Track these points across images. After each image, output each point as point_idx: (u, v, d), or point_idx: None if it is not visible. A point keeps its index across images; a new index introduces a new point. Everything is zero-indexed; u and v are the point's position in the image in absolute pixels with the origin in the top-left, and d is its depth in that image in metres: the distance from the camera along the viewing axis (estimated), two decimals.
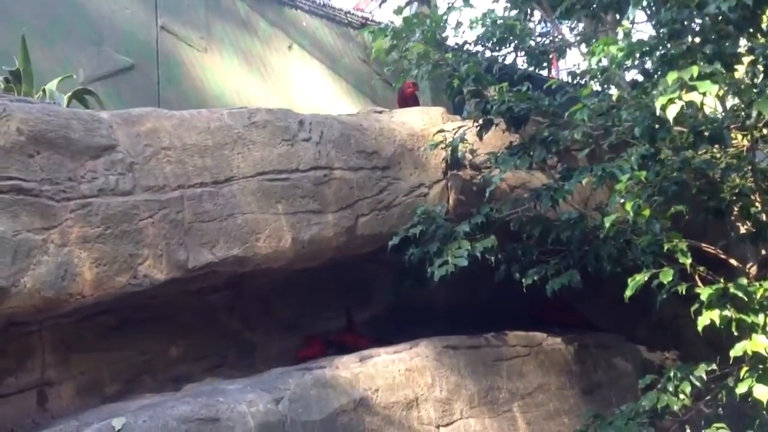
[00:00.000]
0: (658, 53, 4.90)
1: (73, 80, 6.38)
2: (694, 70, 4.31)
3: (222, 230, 5.24)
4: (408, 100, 7.24)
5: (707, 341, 6.84)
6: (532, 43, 7.13)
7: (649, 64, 5.53)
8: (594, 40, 6.14)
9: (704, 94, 4.21)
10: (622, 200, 5.09)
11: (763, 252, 6.53)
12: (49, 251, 4.55)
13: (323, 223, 5.73)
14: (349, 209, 5.89)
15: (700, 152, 5.75)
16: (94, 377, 5.11)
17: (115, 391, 5.14)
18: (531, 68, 7.62)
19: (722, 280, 5.00)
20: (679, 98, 4.26)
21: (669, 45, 5.16)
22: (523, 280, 5.97)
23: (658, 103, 4.33)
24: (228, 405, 4.60)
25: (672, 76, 4.33)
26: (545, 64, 7.73)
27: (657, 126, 5.10)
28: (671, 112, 4.31)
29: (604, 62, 5.27)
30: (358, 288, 6.57)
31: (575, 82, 7.59)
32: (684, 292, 5.03)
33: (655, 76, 5.53)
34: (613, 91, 6.56)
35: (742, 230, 6.54)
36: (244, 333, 5.92)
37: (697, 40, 5.31)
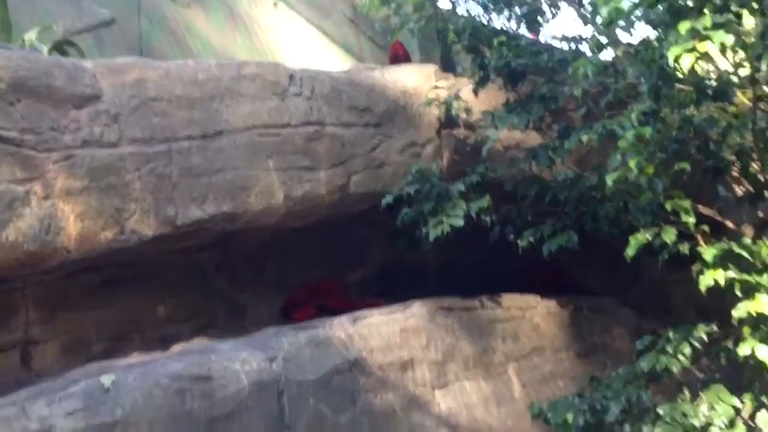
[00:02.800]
0: (666, 3, 4.74)
1: (52, 32, 6.14)
2: (707, 20, 4.16)
3: (211, 185, 5.08)
4: (400, 58, 7.06)
5: (696, 307, 6.82)
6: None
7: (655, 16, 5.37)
8: None
9: (722, 44, 4.06)
10: (623, 158, 4.95)
11: (761, 214, 6.45)
12: (32, 203, 4.37)
13: (315, 180, 5.57)
14: (341, 166, 5.74)
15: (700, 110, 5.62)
16: (80, 336, 4.97)
17: (102, 350, 5.01)
18: (519, 28, 7.43)
19: (725, 240, 4.89)
20: (693, 49, 4.10)
21: None
22: (519, 242, 5.83)
23: (671, 54, 4.17)
24: (221, 363, 4.47)
25: (684, 26, 4.17)
26: (536, 25, 7.54)
27: (661, 83, 4.96)
28: (685, 64, 4.15)
29: (605, 13, 5.09)
30: (349, 249, 6.43)
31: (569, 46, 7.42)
32: (687, 252, 4.92)
33: (659, 31, 5.37)
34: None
35: (739, 192, 6.45)
36: (233, 293, 5.79)
37: None
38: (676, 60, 4.18)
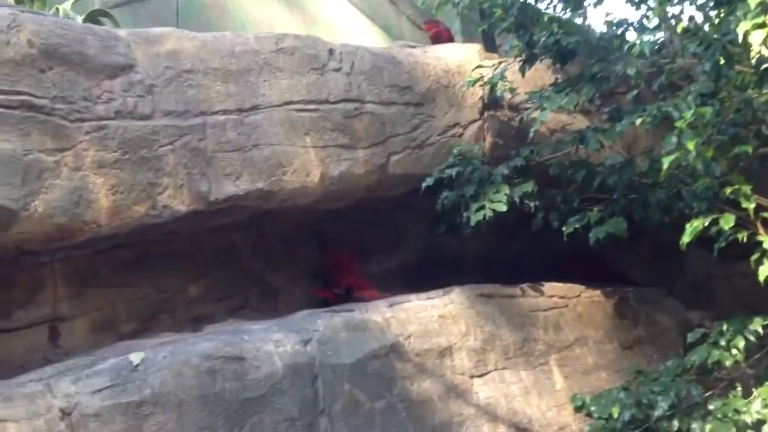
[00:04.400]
0: None
1: (87, 3, 6.02)
2: None
3: (246, 161, 4.93)
4: (443, 38, 6.82)
5: (744, 303, 6.56)
6: None
7: None
8: None
9: None
10: (680, 140, 4.70)
11: None
12: (62, 174, 4.26)
13: (353, 159, 5.39)
14: (380, 146, 5.54)
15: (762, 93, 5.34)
16: (110, 314, 4.84)
17: (132, 329, 4.88)
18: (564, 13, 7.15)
19: None
20: (764, 24, 3.85)
21: None
22: (564, 229, 5.60)
23: (740, 29, 3.93)
24: (254, 344, 4.31)
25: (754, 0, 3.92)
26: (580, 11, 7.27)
27: (723, 62, 4.70)
28: (756, 39, 3.91)
29: None
30: (386, 234, 6.24)
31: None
32: (745, 240, 4.67)
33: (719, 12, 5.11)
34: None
35: None
36: (266, 275, 5.62)
37: None
38: (745, 36, 3.93)
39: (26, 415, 3.76)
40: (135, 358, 4.01)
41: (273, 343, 4.39)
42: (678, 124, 4.66)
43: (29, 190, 4.11)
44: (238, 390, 4.22)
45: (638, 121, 5.12)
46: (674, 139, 4.75)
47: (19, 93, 4.13)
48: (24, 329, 4.57)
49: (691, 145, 4.52)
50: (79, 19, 5.39)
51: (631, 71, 5.26)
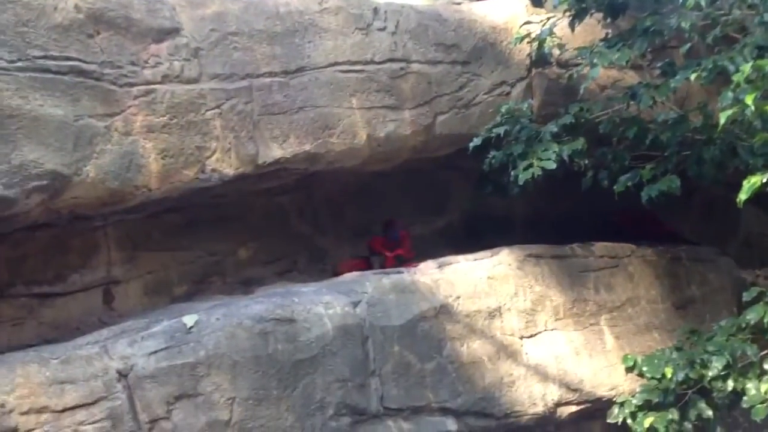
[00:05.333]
0: None
1: None
2: None
3: (293, 124, 4.91)
4: None
5: None
6: None
7: None
8: None
9: None
10: (737, 95, 4.55)
11: None
12: (113, 139, 4.30)
13: (400, 120, 5.34)
14: (426, 106, 5.48)
15: None
16: (162, 277, 4.92)
17: (184, 291, 4.96)
18: None
19: None
20: None
21: None
22: (614, 187, 5.48)
23: None
24: (304, 306, 4.34)
25: None
26: None
27: None
28: None
29: None
30: (432, 195, 6.21)
31: None
32: None
33: None
34: None
35: None
36: (314, 237, 5.64)
37: None
38: None
39: (84, 377, 3.86)
40: (189, 320, 4.06)
41: (323, 305, 4.41)
42: (735, 78, 4.51)
43: (81, 155, 4.16)
44: (290, 351, 4.27)
45: (693, 76, 4.97)
46: (731, 93, 4.60)
47: (68, 58, 4.17)
48: (79, 292, 4.67)
49: (749, 100, 4.36)
50: None
51: (685, 24, 5.10)
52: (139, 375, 3.94)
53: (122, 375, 3.94)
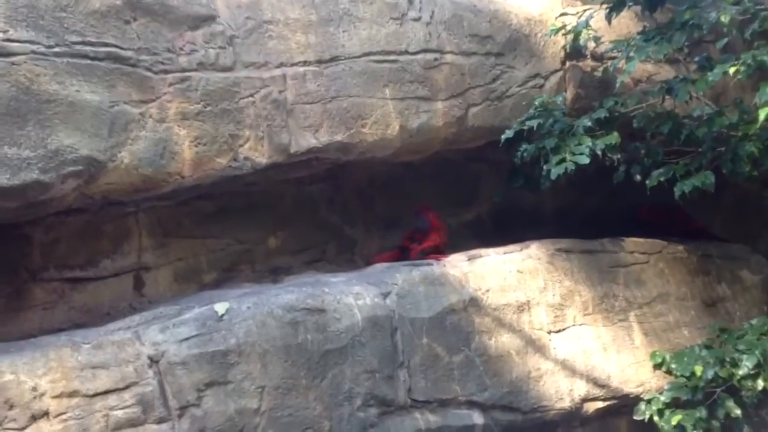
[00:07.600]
0: None
1: None
2: None
3: (326, 113, 4.90)
4: None
5: None
6: None
7: None
8: None
9: None
10: None
11: None
12: (147, 126, 4.31)
13: (432, 111, 5.31)
14: (459, 97, 5.44)
15: None
16: (192, 264, 4.92)
17: (213, 279, 4.96)
18: None
19: None
20: None
21: None
22: (647, 182, 5.43)
23: None
24: (334, 296, 4.34)
25: None
26: None
27: None
28: None
29: None
30: (461, 187, 6.16)
31: None
32: None
33: None
34: None
35: None
36: (343, 227, 5.62)
37: None
38: None
39: (116, 362, 3.89)
40: (220, 308, 4.08)
41: (353, 295, 4.42)
42: None
43: (116, 141, 4.18)
44: (320, 341, 4.28)
45: (732, 71, 4.90)
46: None
47: (105, 45, 4.18)
48: (110, 278, 4.69)
49: None
50: None
51: (724, 18, 5.02)
52: (171, 361, 3.97)
53: (153, 361, 3.97)
